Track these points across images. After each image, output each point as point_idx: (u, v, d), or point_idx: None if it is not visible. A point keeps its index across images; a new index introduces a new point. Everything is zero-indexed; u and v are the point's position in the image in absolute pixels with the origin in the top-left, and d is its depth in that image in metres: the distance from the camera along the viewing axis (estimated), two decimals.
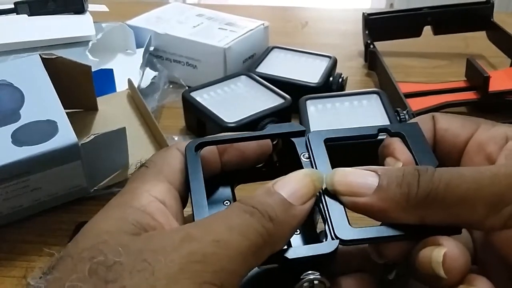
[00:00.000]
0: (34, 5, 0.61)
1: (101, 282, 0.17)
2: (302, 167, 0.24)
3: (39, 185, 0.36)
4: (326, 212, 0.22)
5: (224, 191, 0.26)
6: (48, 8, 0.62)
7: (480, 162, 0.24)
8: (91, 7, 0.64)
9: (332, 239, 0.21)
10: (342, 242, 0.21)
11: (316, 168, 0.23)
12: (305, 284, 0.21)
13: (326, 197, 0.22)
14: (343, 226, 0.21)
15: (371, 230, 0.21)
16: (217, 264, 0.18)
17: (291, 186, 0.21)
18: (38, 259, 0.36)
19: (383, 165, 0.25)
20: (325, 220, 0.22)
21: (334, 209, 0.22)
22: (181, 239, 0.19)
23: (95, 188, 0.39)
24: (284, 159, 0.27)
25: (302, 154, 0.24)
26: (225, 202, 0.25)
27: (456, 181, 0.20)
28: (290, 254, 0.21)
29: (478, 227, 0.21)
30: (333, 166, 0.23)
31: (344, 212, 0.22)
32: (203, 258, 0.18)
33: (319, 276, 0.21)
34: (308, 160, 0.24)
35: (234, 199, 0.26)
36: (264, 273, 0.23)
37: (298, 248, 0.21)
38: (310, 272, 0.21)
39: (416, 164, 0.24)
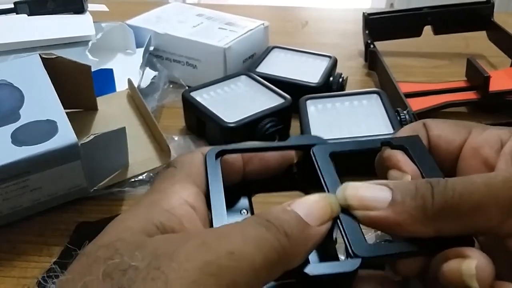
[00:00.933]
0: (34, 5, 0.61)
1: (114, 286, 0.17)
2: (320, 180, 0.23)
3: (39, 185, 0.36)
4: (342, 229, 0.21)
5: (242, 200, 0.26)
6: (47, 8, 0.62)
7: (477, 166, 0.24)
8: (91, 7, 0.64)
9: (350, 256, 0.20)
10: (363, 259, 0.20)
11: (325, 183, 0.23)
12: None
13: (340, 214, 0.22)
14: (360, 243, 0.21)
15: (388, 246, 0.21)
16: (230, 277, 0.18)
17: (307, 207, 0.21)
18: (38, 259, 0.36)
19: (383, 176, 0.25)
20: (342, 237, 0.21)
21: (350, 226, 0.21)
22: (197, 247, 0.18)
23: (95, 188, 0.39)
24: (303, 171, 0.26)
25: None
26: (242, 211, 0.25)
27: (469, 188, 0.20)
28: (311, 271, 0.20)
29: (495, 232, 0.21)
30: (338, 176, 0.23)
31: (359, 229, 0.21)
32: (218, 271, 0.18)
33: None
34: None
35: (251, 209, 0.26)
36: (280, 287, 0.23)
37: (319, 265, 0.21)
38: None
39: (423, 177, 0.23)
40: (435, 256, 0.21)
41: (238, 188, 0.26)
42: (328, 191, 0.22)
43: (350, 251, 0.20)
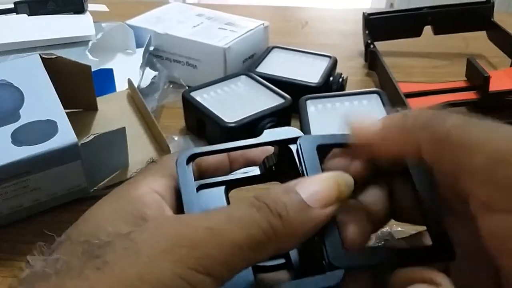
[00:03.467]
0: (34, 5, 0.61)
1: (89, 258, 0.18)
2: (299, 174, 0.23)
3: (39, 185, 0.36)
4: (321, 237, 0.21)
5: (218, 196, 0.25)
6: (48, 8, 0.62)
7: None
8: (91, 7, 0.64)
9: (328, 266, 0.20)
10: (339, 269, 0.20)
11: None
12: None
13: None
14: (338, 253, 0.20)
15: (367, 255, 0.21)
16: (205, 250, 0.18)
17: (312, 188, 0.20)
18: None
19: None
20: (320, 246, 0.21)
21: (329, 234, 0.20)
22: (172, 223, 0.19)
23: (95, 188, 0.39)
24: (281, 163, 0.26)
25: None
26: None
27: (471, 126, 0.19)
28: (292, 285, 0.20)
29: (472, 187, 0.19)
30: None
31: (339, 237, 0.20)
32: (190, 243, 0.18)
33: None
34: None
35: (228, 204, 0.25)
36: None
37: (301, 282, 0.20)
38: None
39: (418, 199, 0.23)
40: (397, 271, 0.20)
41: (213, 184, 0.25)
42: None
43: (327, 261, 0.20)
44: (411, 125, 0.21)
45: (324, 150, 0.24)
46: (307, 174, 0.22)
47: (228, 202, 0.25)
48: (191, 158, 0.24)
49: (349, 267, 0.20)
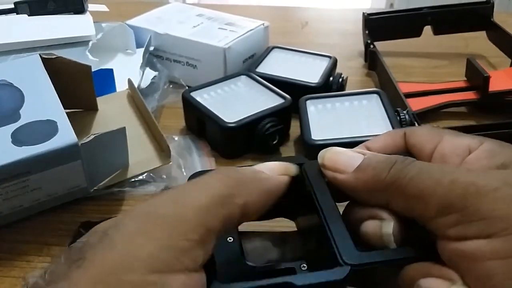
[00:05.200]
0: (34, 5, 0.61)
1: (71, 261, 0.18)
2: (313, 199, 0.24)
3: (39, 185, 0.36)
4: (331, 235, 0.22)
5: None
6: (48, 8, 0.62)
7: None
8: (91, 7, 0.64)
9: (339, 264, 0.21)
10: (352, 267, 0.20)
11: (318, 201, 0.23)
12: None
13: (329, 223, 0.22)
14: (349, 250, 0.21)
15: (378, 253, 0.21)
16: (174, 219, 0.19)
17: (263, 164, 0.24)
18: (38, 259, 0.36)
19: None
20: (331, 244, 0.21)
21: (339, 232, 0.22)
22: (139, 207, 0.20)
23: (95, 188, 0.39)
24: (290, 196, 0.25)
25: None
26: (228, 239, 0.24)
27: (422, 176, 0.21)
28: (299, 281, 0.20)
29: (429, 226, 0.21)
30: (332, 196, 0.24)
31: (349, 235, 0.22)
32: (158, 217, 0.19)
33: None
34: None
35: (238, 236, 0.25)
36: None
37: (307, 275, 0.21)
38: None
39: None
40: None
41: None
42: (322, 211, 0.23)
43: (340, 259, 0.21)
44: (378, 181, 0.22)
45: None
46: (317, 199, 0.23)
47: (238, 232, 0.25)
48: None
49: (362, 264, 0.21)
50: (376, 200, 0.23)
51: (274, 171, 0.23)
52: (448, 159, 0.24)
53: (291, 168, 0.24)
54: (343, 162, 0.23)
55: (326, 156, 0.24)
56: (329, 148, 0.24)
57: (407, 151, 0.26)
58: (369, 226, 0.23)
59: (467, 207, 0.20)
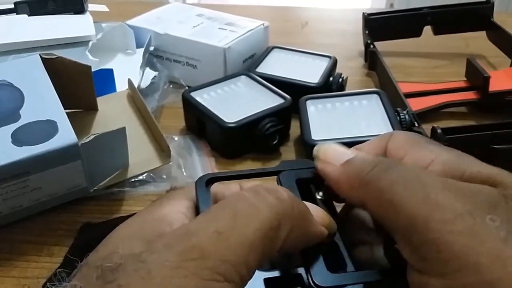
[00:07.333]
0: (34, 5, 0.61)
1: (104, 283, 0.18)
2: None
3: (39, 185, 0.36)
4: (305, 259, 0.22)
5: None
6: (48, 8, 0.62)
7: None
8: (91, 7, 0.64)
9: (311, 287, 0.21)
10: None
11: None
12: None
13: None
14: (321, 274, 0.21)
15: (352, 275, 0.21)
16: (217, 257, 0.17)
17: (313, 207, 0.23)
18: (38, 259, 0.36)
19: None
20: (304, 268, 0.22)
21: (312, 256, 0.22)
22: (179, 236, 0.18)
23: (95, 188, 0.39)
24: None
25: (317, 193, 0.25)
26: None
27: (398, 183, 0.20)
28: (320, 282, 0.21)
29: (396, 241, 0.20)
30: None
31: (322, 259, 0.22)
32: (201, 254, 0.17)
33: None
34: (322, 198, 0.25)
35: None
36: None
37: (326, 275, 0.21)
38: None
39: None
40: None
41: None
42: None
43: (311, 282, 0.21)
44: (359, 178, 0.22)
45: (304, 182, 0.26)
46: None
47: None
48: (210, 181, 0.25)
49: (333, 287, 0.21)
50: (356, 198, 0.22)
51: (319, 220, 0.22)
52: None
53: (333, 227, 0.23)
54: (334, 155, 0.24)
55: (321, 148, 0.25)
56: (326, 142, 0.25)
57: (384, 152, 0.26)
58: (362, 253, 0.23)
59: (425, 237, 0.18)
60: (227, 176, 0.25)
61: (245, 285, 0.18)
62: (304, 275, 0.23)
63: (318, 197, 0.25)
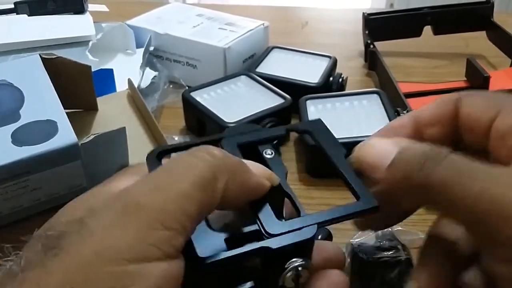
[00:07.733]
0: (34, 5, 0.61)
1: (47, 249, 0.18)
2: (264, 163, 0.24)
3: (39, 185, 0.36)
4: (255, 213, 0.22)
5: None
6: (48, 8, 0.62)
7: (506, 156, 0.21)
8: (91, 7, 0.64)
9: (264, 236, 0.21)
10: (273, 235, 0.21)
11: None
12: (290, 273, 0.21)
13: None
14: (272, 222, 0.21)
15: (300, 220, 0.22)
16: (154, 209, 0.18)
17: (250, 162, 0.23)
18: None
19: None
20: (256, 220, 0.22)
21: (262, 207, 0.22)
22: (117, 196, 0.19)
23: None
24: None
25: (264, 151, 0.26)
26: None
27: (452, 179, 0.19)
28: (273, 244, 0.21)
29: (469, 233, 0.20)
30: None
31: (271, 209, 0.22)
32: (137, 207, 0.18)
33: (303, 262, 0.21)
34: (271, 156, 0.25)
35: None
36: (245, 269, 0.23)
37: (279, 238, 0.21)
38: (293, 260, 0.21)
39: (327, 156, 0.25)
40: None
41: None
42: None
43: (264, 232, 0.21)
44: (410, 181, 0.21)
45: (247, 147, 0.26)
46: None
47: None
48: (161, 154, 0.25)
49: (283, 233, 0.21)
50: (414, 203, 0.22)
51: (259, 173, 0.22)
52: (507, 140, 0.21)
53: (275, 179, 0.23)
54: (376, 157, 0.22)
55: (361, 150, 0.23)
56: (364, 142, 0.23)
57: (456, 118, 0.23)
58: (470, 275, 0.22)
59: (491, 226, 0.18)
60: (176, 147, 0.26)
61: (191, 234, 0.19)
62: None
63: (268, 156, 0.25)
